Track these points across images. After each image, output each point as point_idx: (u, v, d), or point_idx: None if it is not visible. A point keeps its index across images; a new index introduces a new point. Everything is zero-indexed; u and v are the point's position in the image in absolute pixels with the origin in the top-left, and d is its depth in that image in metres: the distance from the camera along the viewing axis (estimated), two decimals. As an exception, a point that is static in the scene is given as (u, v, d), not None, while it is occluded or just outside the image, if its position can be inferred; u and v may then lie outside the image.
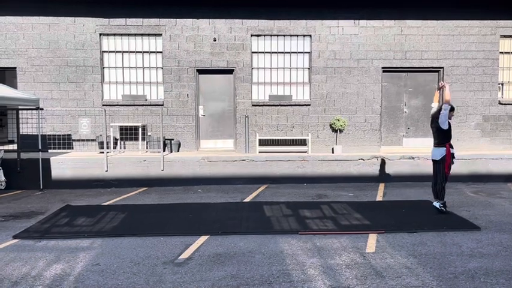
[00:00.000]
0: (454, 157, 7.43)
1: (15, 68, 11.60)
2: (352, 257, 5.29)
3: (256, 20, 11.82)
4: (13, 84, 11.49)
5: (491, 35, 12.11)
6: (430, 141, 12.39)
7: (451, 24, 12.06)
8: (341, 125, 11.74)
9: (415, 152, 11.49)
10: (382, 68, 12.08)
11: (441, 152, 7.33)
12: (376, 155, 11.11)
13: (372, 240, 5.94)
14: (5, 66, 11.61)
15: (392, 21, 11.99)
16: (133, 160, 10.63)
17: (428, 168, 10.99)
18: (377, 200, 8.90)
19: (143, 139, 11.62)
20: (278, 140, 11.97)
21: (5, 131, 13.58)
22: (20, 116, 10.73)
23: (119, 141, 11.71)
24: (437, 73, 12.28)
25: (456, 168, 11.01)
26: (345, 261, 5.17)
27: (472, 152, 11.55)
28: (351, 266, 4.99)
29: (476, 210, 7.74)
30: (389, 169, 10.94)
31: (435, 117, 7.39)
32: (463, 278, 4.64)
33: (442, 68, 12.13)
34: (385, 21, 11.97)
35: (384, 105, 12.33)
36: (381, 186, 10.35)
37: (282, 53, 12.09)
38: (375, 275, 4.72)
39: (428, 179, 10.80)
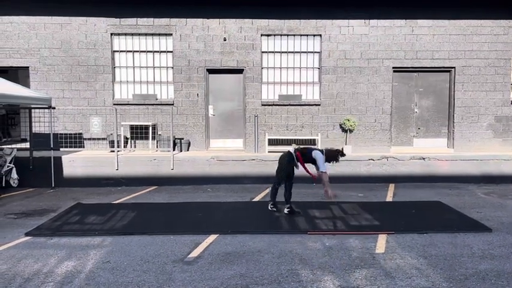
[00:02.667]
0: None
1: (28, 67, 11.73)
2: (361, 258, 5.27)
3: (266, 20, 11.81)
4: (26, 84, 11.63)
5: (503, 35, 11.96)
6: (441, 141, 12.47)
7: (463, 23, 11.94)
8: (351, 125, 11.68)
9: (426, 152, 11.40)
10: (393, 68, 12.00)
11: None
12: (386, 156, 11.04)
13: (381, 241, 5.92)
14: (18, 65, 11.76)
15: (403, 20, 11.90)
16: (144, 159, 10.71)
17: (439, 169, 10.98)
18: (387, 200, 8.86)
19: (153, 138, 11.70)
20: (287, 139, 11.94)
21: (18, 130, 13.77)
22: (33, 114, 10.86)
23: (129, 140, 11.80)
24: (448, 73, 12.17)
25: (467, 169, 11.00)
26: (354, 261, 5.15)
27: (483, 153, 11.44)
28: (360, 267, 4.98)
29: (487, 212, 7.66)
30: (400, 170, 10.88)
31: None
32: (474, 279, 4.60)
33: (454, 68, 12.01)
34: (395, 20, 11.89)
35: (395, 106, 12.25)
36: (391, 186, 10.28)
37: (292, 52, 12.08)
38: (384, 276, 4.70)
39: (440, 179, 10.81)
